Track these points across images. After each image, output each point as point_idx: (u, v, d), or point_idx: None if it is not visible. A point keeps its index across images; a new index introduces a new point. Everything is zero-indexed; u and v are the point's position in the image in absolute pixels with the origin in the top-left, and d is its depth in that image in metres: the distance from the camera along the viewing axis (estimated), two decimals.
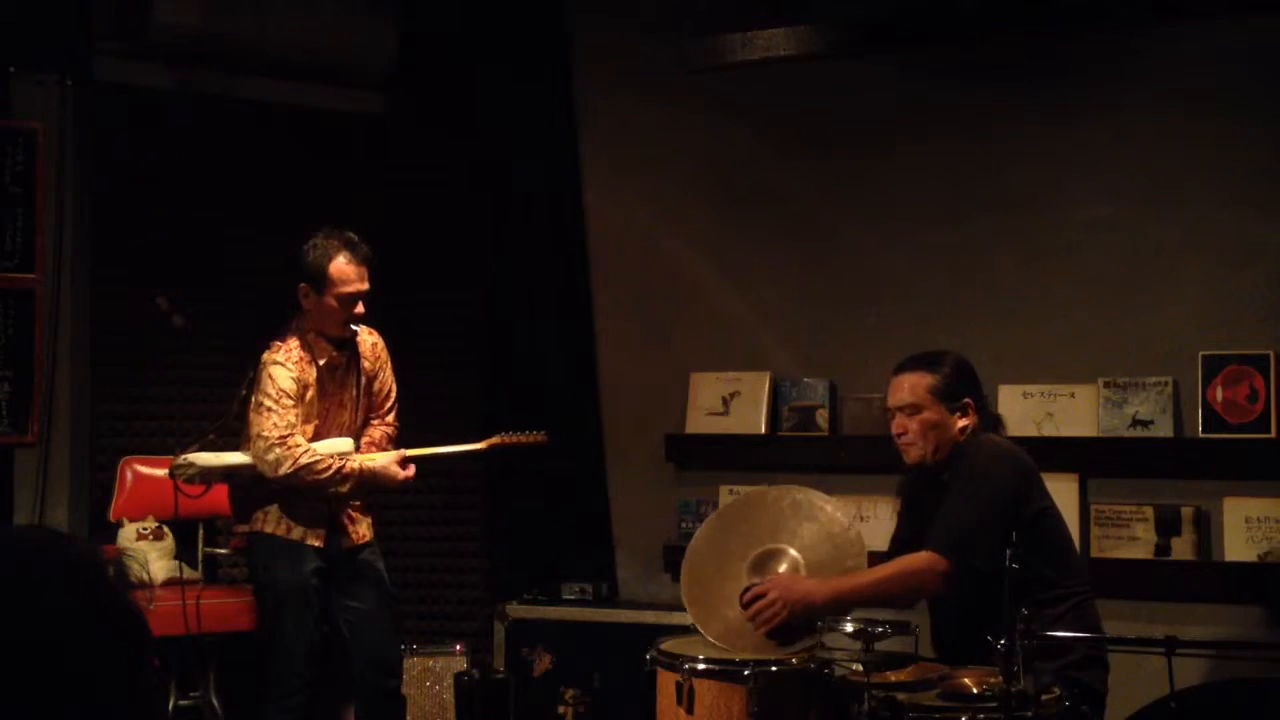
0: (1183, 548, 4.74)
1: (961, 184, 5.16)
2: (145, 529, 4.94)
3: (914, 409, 3.65)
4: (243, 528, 4.51)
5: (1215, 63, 4.81)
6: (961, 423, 3.65)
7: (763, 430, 5.37)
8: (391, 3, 5.49)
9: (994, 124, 5.12)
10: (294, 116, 5.51)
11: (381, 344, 4.60)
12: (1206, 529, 4.75)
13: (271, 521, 4.40)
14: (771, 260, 5.49)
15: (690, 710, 3.40)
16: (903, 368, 3.75)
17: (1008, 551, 2.96)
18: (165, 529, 4.96)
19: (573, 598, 5.34)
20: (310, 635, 4.41)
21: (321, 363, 4.40)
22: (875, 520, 4.84)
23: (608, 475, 5.72)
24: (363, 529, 4.53)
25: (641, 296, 5.72)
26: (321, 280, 4.32)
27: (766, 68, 5.35)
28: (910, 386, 3.68)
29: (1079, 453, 4.87)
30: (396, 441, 4.61)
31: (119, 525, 4.97)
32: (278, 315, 4.48)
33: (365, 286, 4.36)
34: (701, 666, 3.44)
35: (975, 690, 3.09)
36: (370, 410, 4.58)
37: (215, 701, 4.88)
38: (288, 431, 4.28)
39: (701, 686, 3.40)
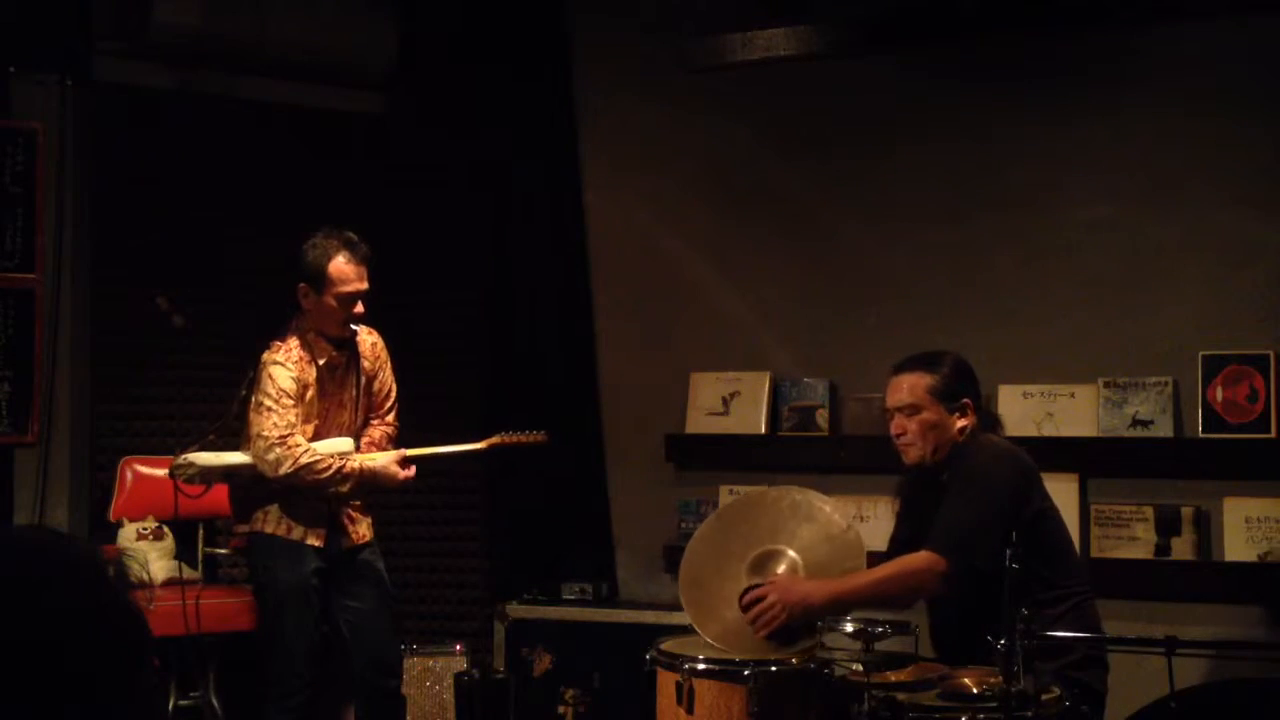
0: (1183, 548, 4.74)
1: (961, 184, 5.16)
2: (145, 529, 4.94)
3: (913, 409, 3.65)
4: (243, 528, 4.51)
5: (1215, 63, 4.81)
6: (960, 423, 3.65)
7: (763, 430, 5.37)
8: (391, 3, 5.48)
9: (994, 124, 5.12)
10: (294, 116, 5.51)
11: (381, 344, 4.60)
12: (1206, 529, 4.75)
13: (271, 521, 4.40)
14: (771, 260, 5.49)
15: (690, 710, 3.39)
16: (902, 368, 3.74)
17: (1007, 551, 2.96)
18: (165, 529, 4.96)
19: (573, 598, 5.34)
20: (310, 635, 4.41)
21: (321, 362, 4.40)
22: (875, 520, 4.84)
23: (608, 475, 5.72)
24: (363, 529, 4.53)
25: (641, 296, 5.72)
26: (321, 280, 4.32)
27: (766, 68, 5.35)
28: (909, 387, 3.67)
29: (1079, 453, 4.87)
30: (396, 441, 4.61)
31: (119, 525, 4.97)
32: (278, 315, 4.48)
33: (364, 286, 4.36)
34: (701, 666, 3.44)
35: (975, 690, 3.09)
36: (370, 410, 4.58)
37: (215, 701, 4.88)
38: (288, 431, 4.28)
39: (701, 686, 3.40)
